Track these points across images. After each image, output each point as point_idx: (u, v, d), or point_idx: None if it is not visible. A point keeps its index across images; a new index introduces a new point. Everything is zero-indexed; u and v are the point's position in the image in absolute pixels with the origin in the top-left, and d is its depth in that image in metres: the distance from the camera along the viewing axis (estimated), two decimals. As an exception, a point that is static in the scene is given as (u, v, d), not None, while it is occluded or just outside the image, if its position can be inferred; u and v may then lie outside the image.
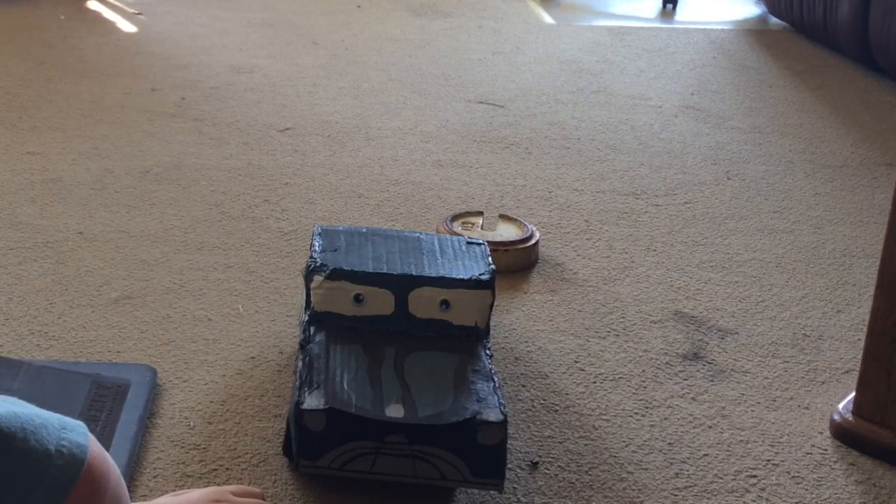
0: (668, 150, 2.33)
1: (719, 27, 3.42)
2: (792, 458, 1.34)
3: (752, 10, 3.65)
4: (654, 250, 1.87)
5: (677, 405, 1.43)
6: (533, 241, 1.79)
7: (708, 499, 1.26)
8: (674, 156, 2.30)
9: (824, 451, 1.36)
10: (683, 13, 3.60)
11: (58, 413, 0.82)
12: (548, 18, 3.43)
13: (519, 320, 1.61)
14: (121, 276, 1.65)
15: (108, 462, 0.87)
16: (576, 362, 1.51)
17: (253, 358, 1.46)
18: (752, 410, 1.43)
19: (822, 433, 1.40)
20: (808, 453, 1.35)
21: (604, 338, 1.58)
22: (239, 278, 1.67)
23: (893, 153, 2.39)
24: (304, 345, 1.28)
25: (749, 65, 3.02)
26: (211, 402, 1.36)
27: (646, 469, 1.30)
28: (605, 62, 2.96)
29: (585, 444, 1.33)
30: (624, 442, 1.35)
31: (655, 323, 1.63)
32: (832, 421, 1.40)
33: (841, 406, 1.41)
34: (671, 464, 1.31)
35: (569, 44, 3.12)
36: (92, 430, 1.24)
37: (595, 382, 1.47)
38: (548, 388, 1.45)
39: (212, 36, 2.99)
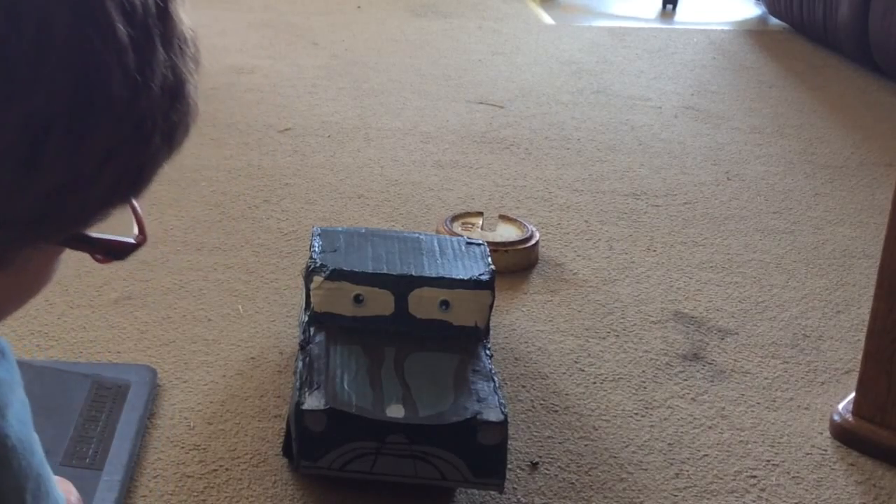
0: (668, 150, 2.33)
1: (719, 27, 3.42)
2: (792, 458, 1.34)
3: (752, 11, 3.65)
4: (654, 250, 1.86)
5: (677, 406, 1.43)
6: (533, 242, 1.79)
7: (708, 499, 1.26)
8: (674, 156, 2.30)
9: (824, 452, 1.36)
10: (683, 13, 3.60)
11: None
12: (548, 19, 3.43)
13: (519, 320, 1.61)
14: (121, 276, 1.65)
15: None
16: (576, 363, 1.51)
17: (253, 358, 1.46)
18: (752, 411, 1.43)
19: (822, 433, 1.40)
20: (808, 453, 1.35)
21: (604, 338, 1.58)
22: (239, 278, 1.67)
23: (893, 153, 2.39)
24: (304, 345, 1.28)
25: (749, 65, 3.02)
26: (211, 402, 1.36)
27: (646, 469, 1.30)
28: (604, 63, 2.96)
29: (585, 445, 1.33)
30: (624, 442, 1.35)
31: (655, 323, 1.63)
32: (832, 421, 1.40)
33: (841, 406, 1.41)
34: (671, 464, 1.31)
35: (569, 44, 3.12)
36: (92, 431, 1.25)
37: (595, 383, 1.47)
38: (548, 388, 1.45)
39: (212, 36, 2.98)
